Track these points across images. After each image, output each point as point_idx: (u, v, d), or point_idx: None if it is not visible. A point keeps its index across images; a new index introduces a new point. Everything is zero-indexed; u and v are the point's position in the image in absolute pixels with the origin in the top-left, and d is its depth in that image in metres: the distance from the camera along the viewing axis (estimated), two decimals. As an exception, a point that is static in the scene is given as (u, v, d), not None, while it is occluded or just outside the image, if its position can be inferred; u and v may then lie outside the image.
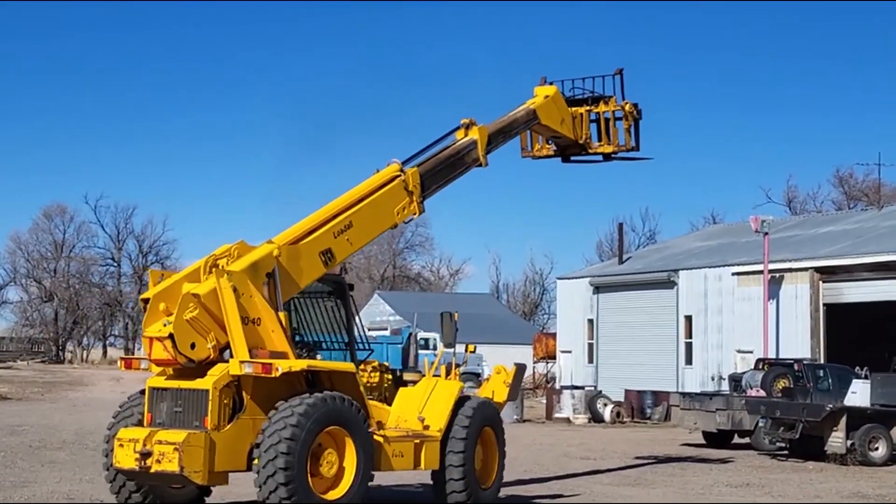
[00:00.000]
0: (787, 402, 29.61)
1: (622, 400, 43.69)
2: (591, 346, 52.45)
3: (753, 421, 30.62)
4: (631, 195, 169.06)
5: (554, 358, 56.96)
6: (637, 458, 27.69)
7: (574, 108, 21.85)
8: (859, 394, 28.27)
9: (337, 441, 14.79)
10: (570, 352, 53.83)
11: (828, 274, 41.13)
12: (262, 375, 14.49)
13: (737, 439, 32.42)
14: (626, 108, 21.96)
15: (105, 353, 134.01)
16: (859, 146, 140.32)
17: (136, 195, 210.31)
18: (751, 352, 41.85)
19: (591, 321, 52.51)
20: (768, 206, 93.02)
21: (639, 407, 42.99)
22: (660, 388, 43.71)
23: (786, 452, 29.11)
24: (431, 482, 16.96)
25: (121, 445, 14.49)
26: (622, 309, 50.50)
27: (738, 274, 44.61)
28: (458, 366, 17.53)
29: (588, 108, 21.82)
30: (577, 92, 21.94)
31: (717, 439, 32.06)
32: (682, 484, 22.28)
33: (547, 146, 22.35)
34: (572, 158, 22.58)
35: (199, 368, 14.77)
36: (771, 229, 43.14)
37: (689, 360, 46.67)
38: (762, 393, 31.70)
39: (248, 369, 14.46)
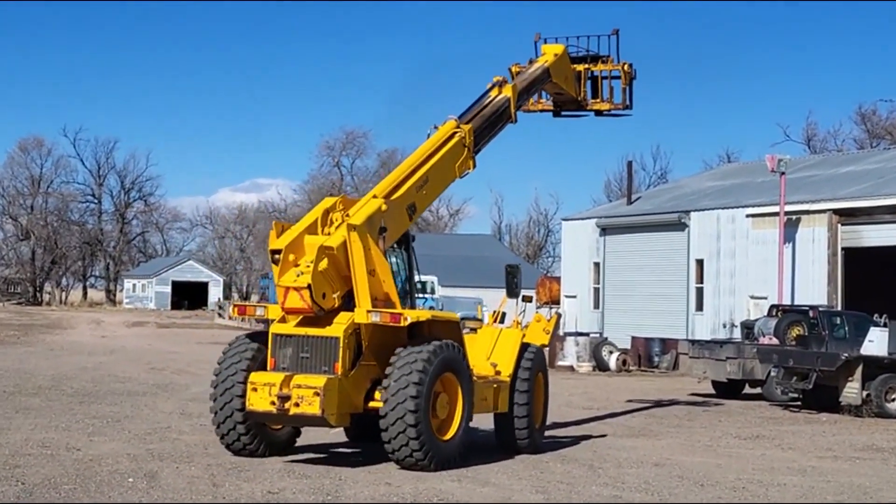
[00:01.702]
0: (801, 350, 29.72)
1: (628, 348, 43.82)
2: (596, 290, 52.54)
3: (765, 370, 30.75)
4: (641, 132, 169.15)
5: (558, 303, 57.07)
6: (643, 408, 27.83)
7: (574, 66, 23.57)
8: (877, 342, 28.33)
9: (449, 386, 16.67)
10: (575, 297, 53.95)
11: (847, 216, 41.08)
12: (391, 324, 16.25)
13: (748, 389, 32.59)
14: (625, 68, 23.58)
15: (85, 294, 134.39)
16: (883, 82, 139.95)
17: (118, 128, 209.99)
18: (764, 298, 41.91)
19: (597, 265, 52.56)
20: (786, 144, 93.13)
21: (646, 355, 43.12)
22: (668, 335, 43.84)
23: (798, 403, 29.27)
24: (494, 425, 18.77)
25: (254, 389, 16.05)
26: (630, 252, 50.53)
27: (753, 216, 44.57)
28: (520, 315, 19.69)
29: (587, 66, 23.52)
30: (575, 51, 23.60)
31: (728, 389, 32.20)
32: (689, 435, 22.41)
33: (542, 101, 23.93)
34: (563, 114, 24.29)
35: (322, 317, 16.32)
36: (788, 169, 43.02)
37: (699, 307, 46.76)
38: (775, 341, 31.80)
39: (375, 318, 16.24)
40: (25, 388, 26.96)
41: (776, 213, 42.50)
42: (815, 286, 41.22)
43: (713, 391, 32.78)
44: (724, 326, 44.32)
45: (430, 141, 19.36)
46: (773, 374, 30.01)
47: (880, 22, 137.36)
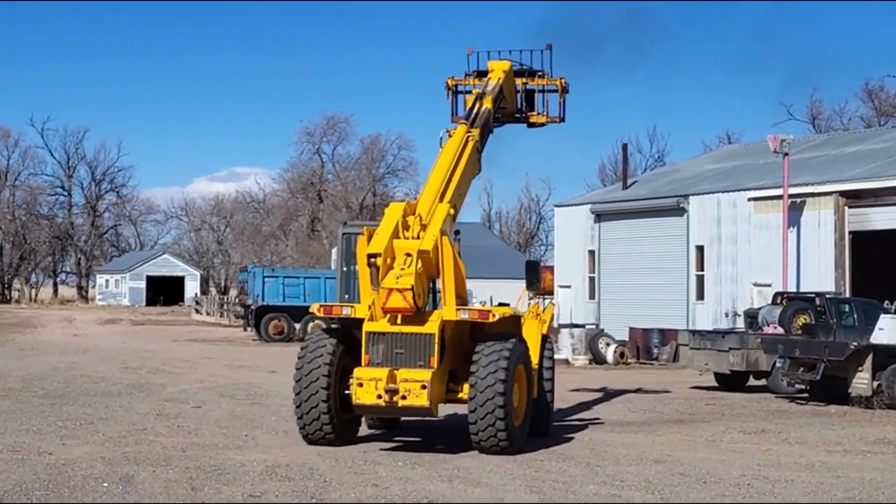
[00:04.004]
0: (808, 339, 29.73)
1: (626, 339, 43.87)
2: (592, 280, 52.55)
3: (770, 361, 30.79)
4: (637, 113, 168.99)
5: (551, 293, 57.07)
6: (641, 402, 27.84)
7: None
8: (887, 330, 28.33)
9: (520, 377, 18.80)
10: (569, 287, 53.80)
11: (854, 198, 41.14)
12: (479, 321, 18.53)
13: (752, 382, 32.63)
14: (561, 82, 25.31)
15: (56, 291, 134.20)
16: (891, 56, 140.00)
17: (88, 116, 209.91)
18: (768, 285, 41.92)
19: (592, 253, 52.57)
20: (789, 123, 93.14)
21: (645, 347, 43.17)
22: (668, 325, 43.89)
23: (806, 395, 29.31)
24: None
25: (360, 384, 18.02)
26: (627, 239, 50.55)
27: (755, 199, 44.62)
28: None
29: (524, 80, 25.31)
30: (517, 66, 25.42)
31: (731, 382, 32.25)
32: (691, 430, 22.44)
33: None
34: (493, 126, 25.36)
35: (412, 315, 18.25)
36: (792, 149, 43.08)
37: (700, 295, 46.82)
38: (780, 330, 31.82)
39: (464, 315, 18.52)
40: (-7, 391, 26.92)
41: (780, 197, 42.56)
42: (821, 272, 41.29)
43: (716, 384, 32.82)
44: (727, 316, 44.37)
45: (453, 146, 21.26)
46: (778, 365, 30.04)
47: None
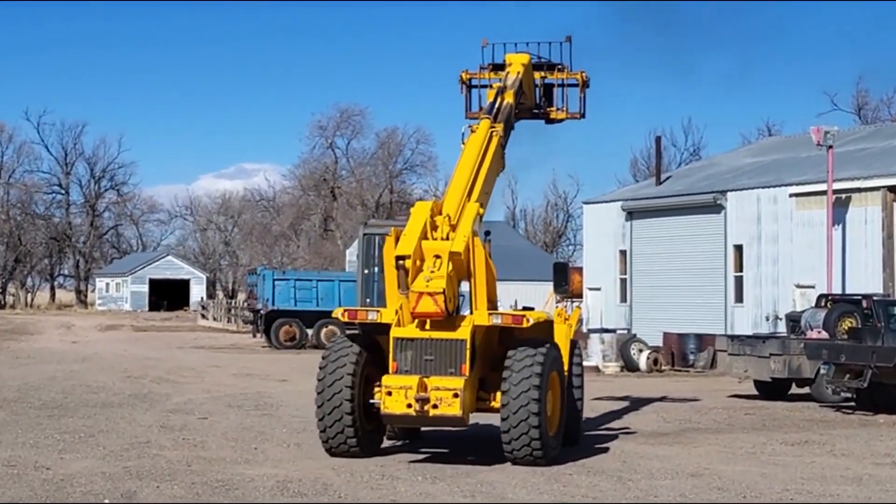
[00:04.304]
0: (854, 344, 29.64)
1: (660, 345, 43.82)
2: (623, 281, 52.51)
3: (814, 368, 30.70)
4: (671, 104, 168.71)
5: (580, 296, 57.07)
6: (677, 411, 27.82)
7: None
8: (939, 335, 28.30)
9: (553, 385, 18.99)
10: (598, 289, 53.91)
11: (903, 194, 41.03)
12: (513, 326, 18.77)
13: (794, 390, 32.56)
14: (583, 77, 25.42)
15: (53, 295, 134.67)
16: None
17: (86, 110, 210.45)
18: (812, 286, 41.86)
19: (623, 253, 52.52)
20: (834, 114, 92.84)
21: (680, 353, 43.11)
22: (704, 330, 43.76)
23: (852, 404, 29.24)
24: None
25: (388, 393, 18.14)
26: (660, 238, 50.49)
27: (798, 195, 44.52)
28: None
29: (543, 74, 25.35)
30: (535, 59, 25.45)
31: (772, 390, 32.19)
32: (729, 441, 22.42)
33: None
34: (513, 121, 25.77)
35: (441, 320, 18.46)
36: (836, 142, 42.94)
37: (738, 298, 46.72)
38: (825, 335, 31.74)
39: (496, 320, 18.76)
40: (-12, 402, 27.03)
41: (823, 192, 42.44)
42: (868, 272, 41.16)
43: (756, 392, 32.77)
44: (767, 319, 44.27)
45: (477, 142, 21.42)
46: (822, 371, 29.96)
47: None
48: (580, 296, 57.34)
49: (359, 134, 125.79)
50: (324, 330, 56.24)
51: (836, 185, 42.06)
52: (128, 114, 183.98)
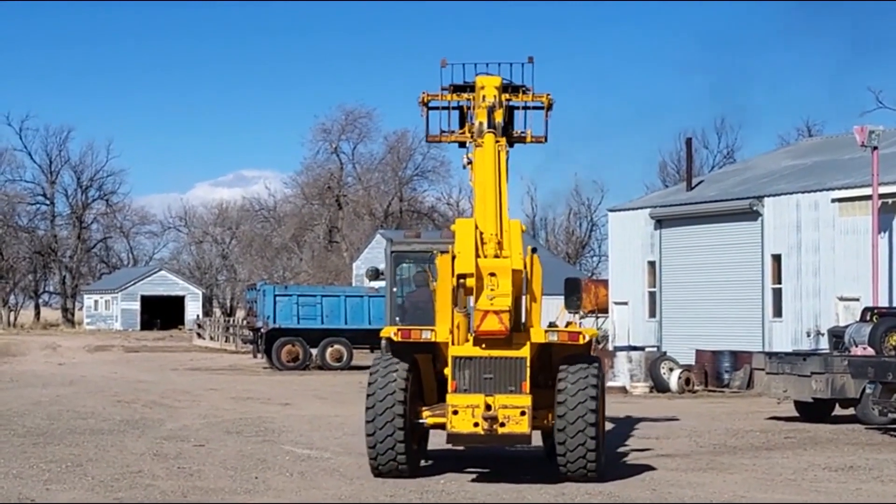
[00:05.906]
0: (903, 362, 29.62)
1: (692, 364, 43.79)
2: (652, 295, 52.53)
3: (859, 387, 30.64)
4: (703, 104, 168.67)
5: (606, 311, 57.05)
6: (711, 434, 27.79)
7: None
8: None
9: (601, 402, 19.81)
10: (625, 303, 53.94)
11: (954, 198, 41.01)
12: (569, 343, 19.81)
13: (838, 411, 32.50)
14: (548, 100, 26.13)
15: (38, 313, 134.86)
16: None
17: (72, 114, 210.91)
18: (856, 299, 41.84)
19: (651, 264, 52.55)
20: (879, 112, 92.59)
21: (713, 372, 43.11)
22: (740, 347, 43.79)
23: (901, 426, 29.21)
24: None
25: (455, 412, 19.26)
26: (692, 248, 50.51)
27: (840, 200, 44.52)
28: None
29: (507, 96, 25.76)
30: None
31: (814, 411, 32.13)
32: (768, 468, 22.39)
33: (456, 132, 26.19)
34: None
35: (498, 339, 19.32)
36: (882, 143, 42.95)
37: (777, 312, 46.72)
38: (870, 351, 31.74)
39: (553, 338, 19.81)
40: (-32, 429, 27.10)
41: (868, 197, 42.43)
42: (917, 284, 41.15)
43: (796, 414, 32.73)
44: (808, 335, 44.27)
45: (490, 157, 22.22)
46: (868, 391, 29.92)
47: None
48: (605, 311, 57.36)
49: (366, 138, 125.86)
50: (329, 349, 56.33)
51: (882, 190, 42.05)
52: (117, 117, 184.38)
